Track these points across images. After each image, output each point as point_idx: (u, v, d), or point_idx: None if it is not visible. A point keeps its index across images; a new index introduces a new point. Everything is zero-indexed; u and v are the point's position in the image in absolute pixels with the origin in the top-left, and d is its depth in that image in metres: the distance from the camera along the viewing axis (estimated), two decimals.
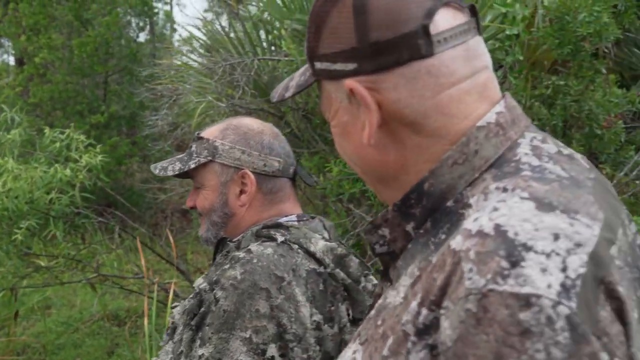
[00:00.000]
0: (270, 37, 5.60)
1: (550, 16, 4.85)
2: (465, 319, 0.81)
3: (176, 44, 8.58)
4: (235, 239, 1.92)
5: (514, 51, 4.75)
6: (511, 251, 0.82)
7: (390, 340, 0.95)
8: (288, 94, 1.17)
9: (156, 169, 2.00)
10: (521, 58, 4.77)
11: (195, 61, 6.14)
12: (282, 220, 1.91)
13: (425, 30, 0.99)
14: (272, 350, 1.64)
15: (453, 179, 1.00)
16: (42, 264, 8.04)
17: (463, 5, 1.05)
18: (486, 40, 5.23)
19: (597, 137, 5.09)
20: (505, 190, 0.93)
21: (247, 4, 6.50)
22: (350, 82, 1.03)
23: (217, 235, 1.97)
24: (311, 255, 1.82)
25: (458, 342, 0.82)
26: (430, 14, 0.99)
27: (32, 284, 8.19)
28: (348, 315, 1.84)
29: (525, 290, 0.79)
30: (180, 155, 2.01)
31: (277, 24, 5.57)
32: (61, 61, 10.40)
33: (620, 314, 0.83)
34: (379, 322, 1.01)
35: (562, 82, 5.05)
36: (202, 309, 1.71)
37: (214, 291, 1.70)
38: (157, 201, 9.99)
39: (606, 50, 5.98)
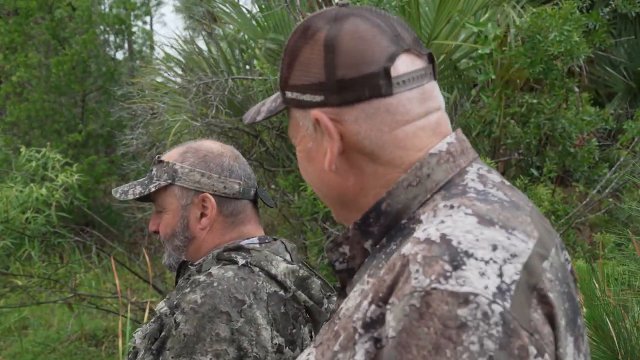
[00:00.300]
0: (245, 56, 5.62)
1: (522, 35, 4.90)
2: (409, 313, 0.91)
3: (155, 62, 8.57)
4: (197, 262, 1.92)
5: (486, 70, 4.79)
6: (454, 256, 0.93)
7: (341, 337, 1.04)
8: (259, 118, 1.27)
9: (117, 192, 1.99)
10: (493, 77, 4.81)
11: (170, 80, 6.16)
12: (244, 242, 1.90)
13: (386, 72, 1.10)
14: None
15: (408, 199, 1.11)
16: (19, 283, 8.00)
17: (422, 52, 1.16)
18: (459, 60, 5.28)
19: (570, 154, 5.15)
20: (452, 207, 1.04)
21: (224, 24, 6.52)
22: (316, 113, 1.14)
23: (179, 260, 1.96)
24: (272, 277, 1.82)
25: (402, 333, 0.91)
26: (392, 58, 1.10)
27: (9, 303, 8.14)
28: (311, 337, 1.85)
29: (464, 289, 0.90)
30: (142, 179, 1.99)
31: (253, 43, 5.59)
32: (38, 80, 10.37)
33: (551, 318, 0.95)
34: (334, 326, 1.09)
35: (535, 101, 5.10)
36: (163, 333, 1.70)
37: (175, 315, 1.70)
38: (135, 220, 9.95)
39: (579, 69, 6.04)
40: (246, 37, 5.76)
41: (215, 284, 1.72)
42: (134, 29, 12.82)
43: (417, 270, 0.94)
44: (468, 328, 0.88)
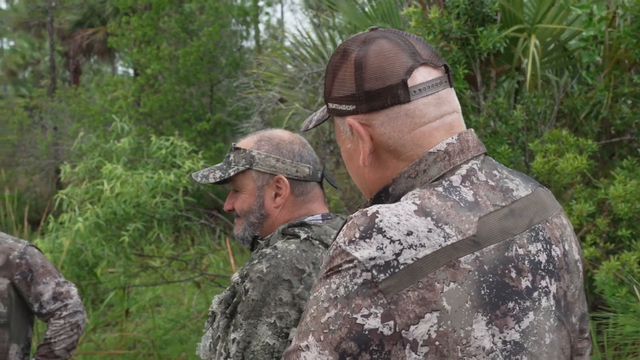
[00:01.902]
0: None
1: (629, 16, 4.85)
2: (326, 257, 1.27)
3: (277, 52, 8.86)
4: (266, 237, 2.16)
5: (589, 52, 4.79)
6: (368, 229, 1.22)
7: None
8: (311, 126, 1.56)
9: (197, 176, 2.23)
10: (598, 58, 4.80)
11: (284, 70, 6.41)
12: (307, 219, 2.15)
13: (404, 83, 1.33)
14: (294, 333, 1.87)
15: (407, 187, 1.35)
16: (154, 264, 8.53)
17: (438, 65, 1.39)
18: (568, 41, 5.26)
19: None
20: (412, 195, 1.30)
21: (333, 13, 6.72)
22: (350, 120, 1.39)
23: (253, 234, 2.21)
24: None
25: (320, 267, 1.30)
26: (409, 71, 1.34)
27: (143, 283, 8.68)
28: None
29: (354, 254, 1.21)
30: (219, 165, 2.24)
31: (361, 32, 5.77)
32: (169, 71, 10.91)
33: (432, 301, 1.19)
34: None
35: None
36: (235, 299, 1.98)
37: (244, 283, 1.96)
38: None
39: None
40: (355, 26, 5.94)
41: (279, 256, 1.98)
42: (263, 19, 13.24)
43: (343, 230, 1.25)
44: (339, 274, 1.22)
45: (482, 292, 1.23)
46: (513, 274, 1.27)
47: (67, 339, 3.36)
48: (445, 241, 1.22)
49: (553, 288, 1.34)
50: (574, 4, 4.96)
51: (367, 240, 1.21)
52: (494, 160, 1.44)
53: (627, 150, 5.28)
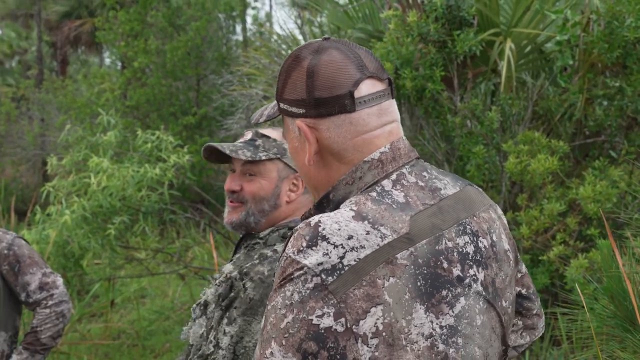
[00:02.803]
0: None
1: (602, 21, 5.01)
2: (278, 269, 1.38)
3: (261, 49, 8.98)
4: (263, 235, 2.23)
5: (563, 55, 4.95)
6: (312, 238, 1.35)
7: None
8: (262, 120, 1.67)
9: (225, 148, 2.22)
10: (571, 62, 4.96)
11: (267, 68, 6.54)
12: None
13: (351, 94, 1.47)
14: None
15: (345, 193, 1.51)
16: (140, 256, 8.65)
17: (383, 78, 1.52)
18: (544, 43, 5.41)
19: None
20: (350, 202, 1.44)
21: (318, 13, 6.86)
22: (299, 122, 1.51)
23: (258, 222, 2.25)
24: None
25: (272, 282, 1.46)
26: (356, 83, 1.47)
27: (128, 274, 8.80)
28: None
29: (303, 261, 1.33)
30: (246, 144, 2.26)
31: (343, 32, 5.92)
32: (156, 65, 11.01)
33: (376, 295, 1.32)
34: None
35: (617, 84, 5.20)
36: (232, 294, 2.07)
37: (244, 281, 2.06)
38: None
39: None
40: (338, 27, 6.08)
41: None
42: (249, 13, 13.34)
43: (291, 241, 1.38)
44: (292, 282, 1.34)
45: (418, 283, 1.37)
46: (445, 265, 1.41)
47: (52, 328, 3.49)
48: (382, 241, 1.35)
49: (481, 276, 1.47)
50: (548, 9, 5.12)
51: (314, 248, 1.34)
52: (425, 163, 1.58)
53: (600, 152, 5.45)
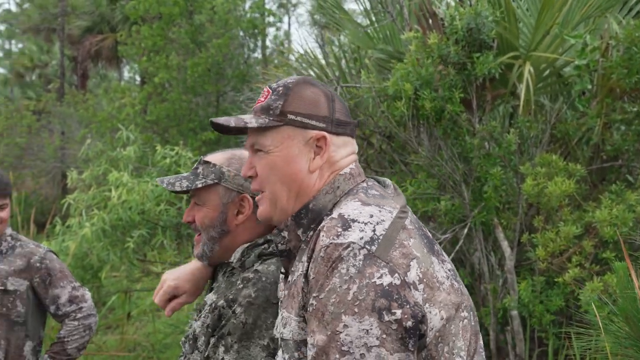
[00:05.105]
0: (356, 64, 6.03)
1: (621, 47, 5.05)
2: (319, 261, 1.60)
3: (282, 68, 9.07)
4: (237, 260, 2.20)
5: (582, 80, 4.99)
6: (344, 223, 1.63)
7: (295, 297, 1.72)
8: (250, 125, 1.78)
9: (163, 182, 2.23)
10: (589, 87, 5.00)
11: None
12: (269, 236, 2.18)
13: (355, 125, 1.87)
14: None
15: (325, 202, 1.78)
16: (157, 270, 8.72)
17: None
18: (563, 67, 5.45)
19: None
20: (347, 200, 1.74)
21: (338, 32, 6.93)
22: (321, 133, 1.79)
23: (212, 250, 2.23)
24: None
25: (316, 274, 1.61)
26: (357, 122, 1.91)
27: (144, 287, 8.88)
28: None
29: (346, 240, 1.59)
30: (186, 174, 2.25)
31: (363, 52, 5.99)
32: (177, 81, 11.13)
33: (409, 253, 1.61)
34: (290, 293, 1.76)
35: (634, 109, 5.23)
36: (222, 322, 2.05)
37: (233, 308, 2.04)
38: None
39: None
40: (358, 47, 6.15)
41: (263, 279, 2.07)
42: (270, 32, 13.47)
43: (323, 235, 1.62)
44: (343, 260, 1.57)
45: (425, 240, 1.72)
46: (424, 228, 1.79)
47: (79, 339, 3.59)
48: (391, 215, 1.68)
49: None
50: (568, 33, 5.16)
51: (349, 229, 1.62)
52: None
53: (617, 176, 5.47)
